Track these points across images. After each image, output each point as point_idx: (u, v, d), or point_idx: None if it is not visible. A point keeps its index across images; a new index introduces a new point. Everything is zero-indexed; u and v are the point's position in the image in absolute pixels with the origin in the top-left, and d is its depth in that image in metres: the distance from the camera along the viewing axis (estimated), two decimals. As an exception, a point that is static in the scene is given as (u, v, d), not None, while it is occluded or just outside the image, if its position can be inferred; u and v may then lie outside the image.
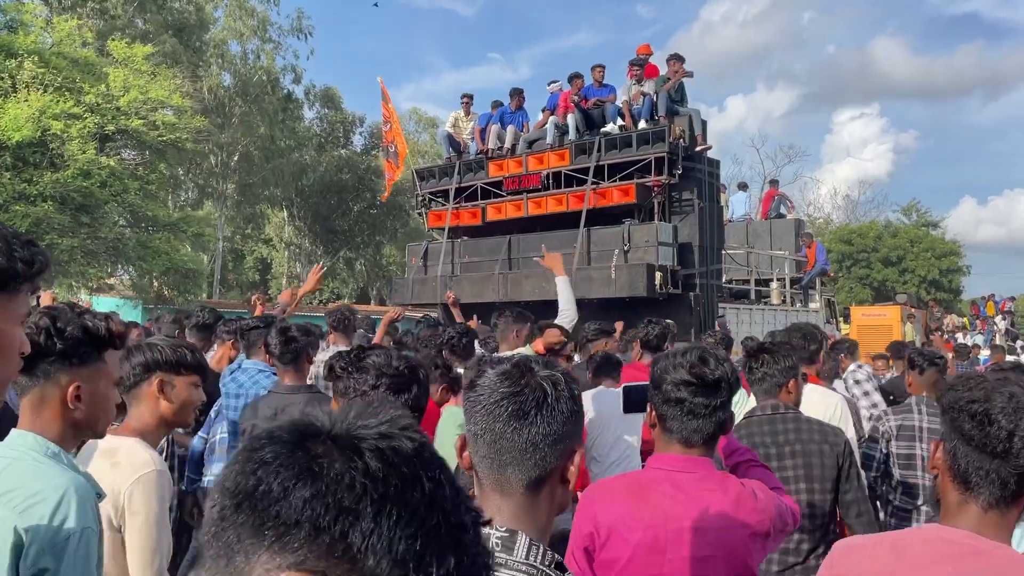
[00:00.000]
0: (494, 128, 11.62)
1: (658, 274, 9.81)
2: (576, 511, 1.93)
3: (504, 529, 1.14)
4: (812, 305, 13.50)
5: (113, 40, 22.75)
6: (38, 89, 17.42)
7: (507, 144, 11.50)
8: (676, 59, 10.64)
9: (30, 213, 16.41)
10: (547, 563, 1.12)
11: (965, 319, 21.72)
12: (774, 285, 13.00)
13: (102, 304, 23.02)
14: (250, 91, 34.95)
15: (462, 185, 11.68)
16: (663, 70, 11.08)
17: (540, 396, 1.18)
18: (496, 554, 1.12)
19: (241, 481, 0.52)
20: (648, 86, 10.71)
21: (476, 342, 5.23)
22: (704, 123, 10.87)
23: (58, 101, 17.18)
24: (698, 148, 10.51)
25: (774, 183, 15.72)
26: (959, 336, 19.28)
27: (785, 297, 13.00)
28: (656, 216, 10.34)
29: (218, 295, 35.80)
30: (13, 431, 1.74)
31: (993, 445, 1.37)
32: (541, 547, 1.13)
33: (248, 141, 35.25)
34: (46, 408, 1.72)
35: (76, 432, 1.79)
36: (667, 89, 10.23)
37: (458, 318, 7.96)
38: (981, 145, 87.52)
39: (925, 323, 18.00)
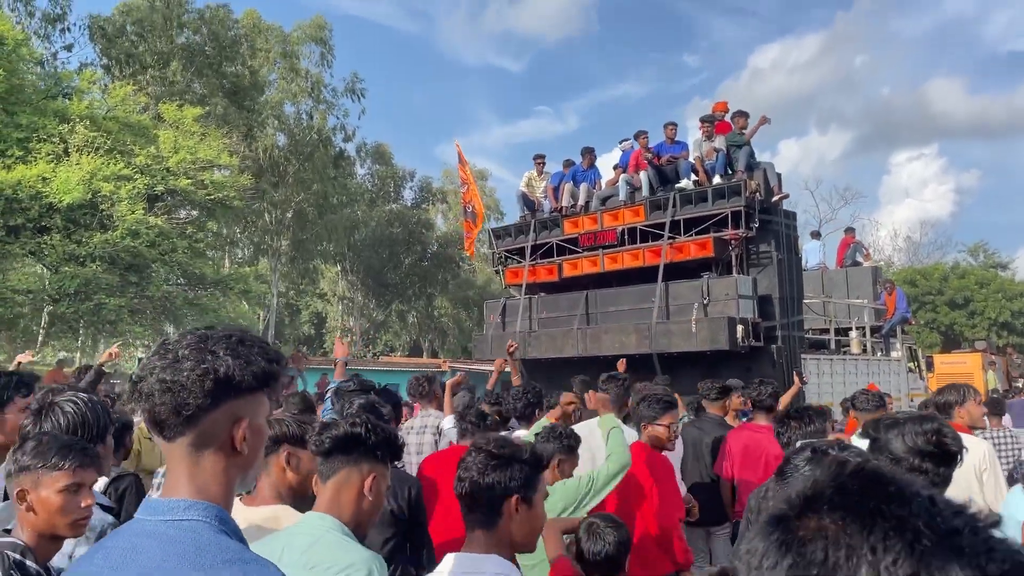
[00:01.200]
0: (567, 186, 12.02)
1: (739, 327, 9.96)
2: None
3: None
4: (894, 354, 13.47)
5: (164, 103, 23.94)
6: (89, 152, 17.99)
7: (580, 201, 11.88)
8: (741, 115, 10.98)
9: (79, 274, 16.90)
10: None
11: (1045, 365, 21.28)
12: (853, 334, 13.02)
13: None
14: (303, 150, 36.19)
15: (538, 243, 12.06)
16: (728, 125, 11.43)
17: None
18: None
19: None
20: (719, 141, 11.02)
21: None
22: (779, 175, 11.13)
23: (108, 163, 17.73)
24: (776, 198, 10.75)
25: (850, 231, 15.83)
26: (1034, 383, 18.90)
27: (865, 346, 13.01)
28: (734, 269, 10.55)
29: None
30: (312, 513, 2.05)
31: None
32: None
33: (301, 198, 36.44)
34: (346, 491, 2.04)
35: (363, 520, 2.09)
36: (747, 140, 10.56)
37: (515, 372, 8.27)
38: None
39: (1006, 370, 17.72)
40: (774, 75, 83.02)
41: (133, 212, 17.58)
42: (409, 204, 41.08)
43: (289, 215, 36.87)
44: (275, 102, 36.29)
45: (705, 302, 10.36)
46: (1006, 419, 9.10)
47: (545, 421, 4.80)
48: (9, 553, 1.81)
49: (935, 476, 1.97)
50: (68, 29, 29.68)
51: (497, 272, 13.11)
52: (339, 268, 39.46)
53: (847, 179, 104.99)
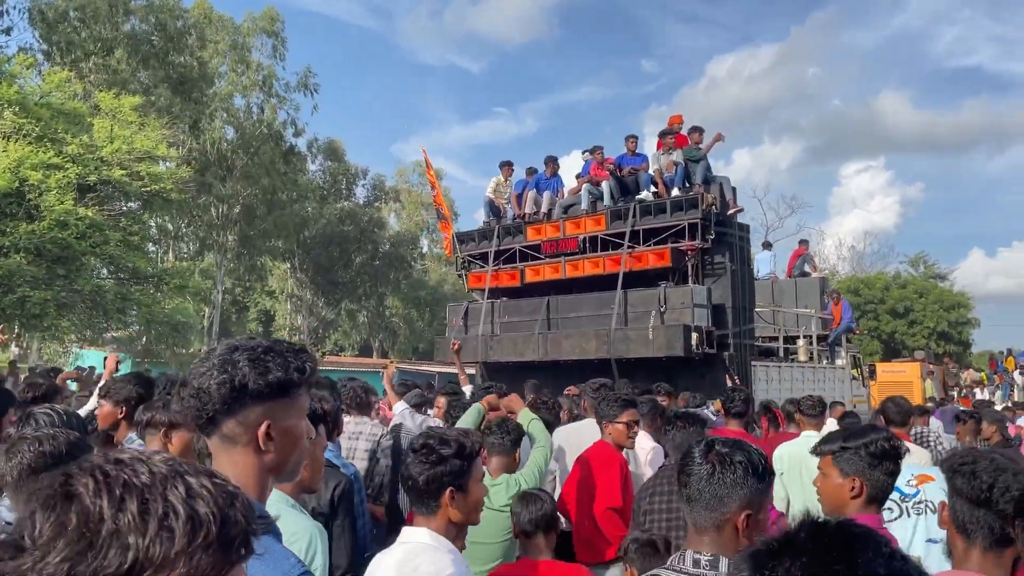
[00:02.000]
0: (530, 194, 12.46)
1: (694, 335, 10.51)
2: None
3: None
4: (839, 362, 14.24)
5: (101, 91, 23.44)
6: (17, 139, 17.33)
7: (543, 209, 12.33)
8: (696, 131, 11.58)
9: (2, 265, 16.25)
10: None
11: (983, 373, 22.47)
12: (801, 342, 13.74)
13: (90, 357, 23.12)
14: (252, 144, 35.92)
15: (501, 248, 12.47)
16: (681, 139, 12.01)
17: None
18: None
19: None
20: (676, 155, 11.58)
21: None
22: (734, 189, 11.73)
23: (37, 151, 17.17)
24: (731, 212, 11.35)
25: (803, 243, 16.61)
26: (977, 391, 20.01)
27: (812, 354, 13.73)
28: (690, 279, 11.11)
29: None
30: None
31: (977, 495, 1.91)
32: None
33: (249, 193, 36.15)
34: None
35: (305, 488, 2.41)
36: (703, 156, 11.14)
37: (460, 371, 8.75)
38: (988, 197, 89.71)
39: (943, 379, 18.75)
40: (730, 84, 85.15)
41: (62, 202, 17.04)
42: (361, 202, 41.08)
43: (236, 210, 36.55)
44: (224, 94, 35.96)
45: (662, 310, 10.89)
46: (934, 423, 9.87)
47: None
48: None
49: (892, 472, 2.45)
50: (7, 12, 28.98)
51: (460, 276, 13.47)
52: (288, 265, 39.28)
53: (798, 189, 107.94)
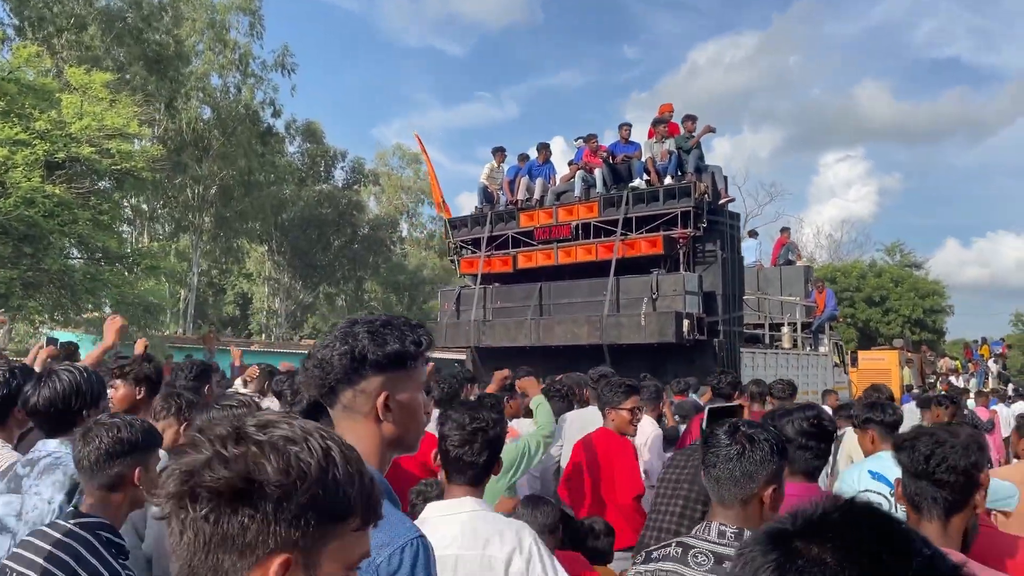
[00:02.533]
0: (523, 180, 12.62)
1: (685, 321, 10.78)
2: None
3: None
4: (822, 349, 14.61)
5: (71, 67, 23.06)
6: None
7: (536, 196, 12.50)
8: (689, 119, 11.81)
9: None
10: None
11: (958, 362, 23.08)
12: (785, 330, 14.07)
13: (61, 338, 22.80)
14: (228, 124, 35.63)
15: (494, 234, 12.63)
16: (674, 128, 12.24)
17: None
18: None
19: None
20: (669, 144, 11.80)
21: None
22: (726, 178, 11.98)
23: (4, 127, 16.85)
24: (722, 201, 11.61)
25: (785, 231, 16.94)
26: (952, 379, 20.55)
27: (796, 341, 14.08)
28: (682, 266, 11.36)
29: (192, 330, 36.05)
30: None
31: (916, 467, 2.03)
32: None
33: (225, 174, 35.89)
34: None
35: None
36: (693, 145, 11.37)
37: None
38: (964, 188, 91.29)
39: (921, 367, 19.26)
40: (712, 72, 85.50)
41: (29, 179, 16.69)
42: (340, 185, 40.92)
43: (213, 191, 36.28)
44: (200, 73, 35.60)
45: (654, 297, 11.14)
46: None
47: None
48: None
49: (818, 450, 2.69)
50: (-26, -15, 28.39)
51: (452, 262, 13.61)
52: (265, 248, 39.10)
53: (777, 178, 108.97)
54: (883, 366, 17.76)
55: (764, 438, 2.15)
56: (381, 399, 1.61)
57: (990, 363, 21.39)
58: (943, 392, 8.30)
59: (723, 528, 2.07)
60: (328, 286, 39.30)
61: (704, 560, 2.04)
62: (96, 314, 21.80)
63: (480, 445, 2.59)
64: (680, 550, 2.09)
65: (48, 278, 18.71)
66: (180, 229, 37.68)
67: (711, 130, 12.02)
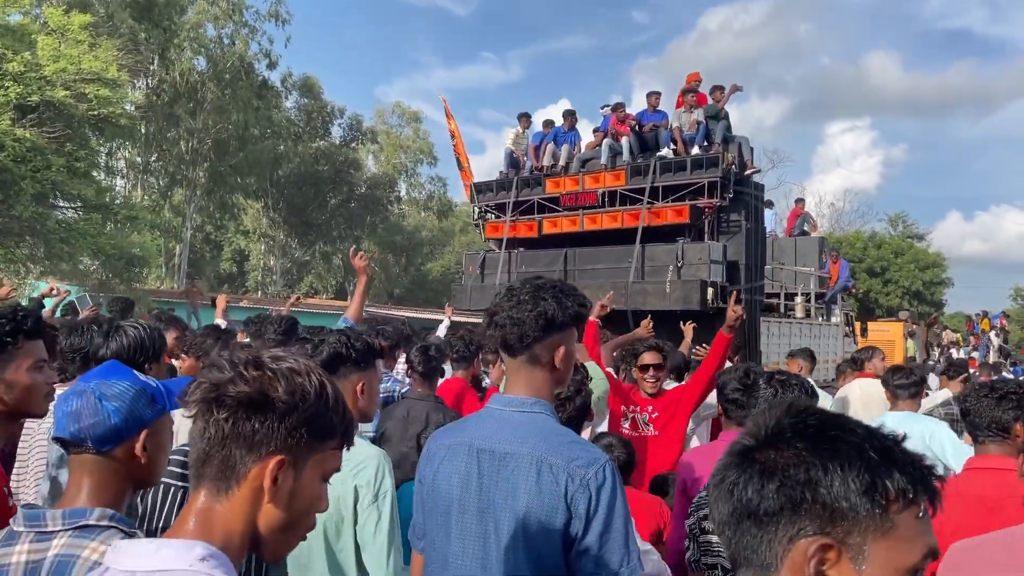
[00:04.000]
0: (549, 147, 12.97)
1: (710, 290, 11.24)
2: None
3: None
4: (834, 319, 15.16)
5: (49, 7, 22.65)
6: None
7: (561, 162, 12.86)
8: (718, 89, 12.17)
9: None
10: None
11: (959, 335, 23.77)
12: (799, 300, 14.59)
13: (41, 288, 22.31)
14: (223, 76, 35.46)
15: (519, 199, 13.01)
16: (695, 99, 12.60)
17: None
18: None
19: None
20: (698, 113, 12.17)
21: None
22: (752, 149, 12.37)
23: None
24: (748, 172, 12.01)
25: (800, 201, 17.38)
26: (953, 351, 21.22)
27: (809, 311, 14.61)
28: (706, 235, 11.79)
29: (184, 285, 36.12)
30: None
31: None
32: None
33: (220, 128, 35.83)
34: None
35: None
36: (722, 112, 11.76)
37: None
38: (969, 161, 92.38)
39: (925, 339, 19.89)
40: (721, 38, 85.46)
41: None
42: (337, 142, 40.91)
43: (207, 145, 36.25)
44: (194, 23, 35.35)
45: (679, 265, 11.57)
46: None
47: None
48: None
49: (743, 403, 3.17)
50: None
51: (477, 226, 13.98)
52: (261, 204, 39.19)
53: (783, 146, 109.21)
54: (887, 338, 18.35)
55: (794, 383, 2.76)
56: (561, 352, 1.99)
57: (992, 336, 22.07)
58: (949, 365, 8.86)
59: None
60: (324, 245, 39.48)
61: None
62: (70, 266, 21.50)
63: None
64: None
65: (19, 226, 18.51)
66: (174, 183, 37.69)
67: (738, 89, 12.40)
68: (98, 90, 19.55)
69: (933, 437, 4.46)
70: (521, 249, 13.08)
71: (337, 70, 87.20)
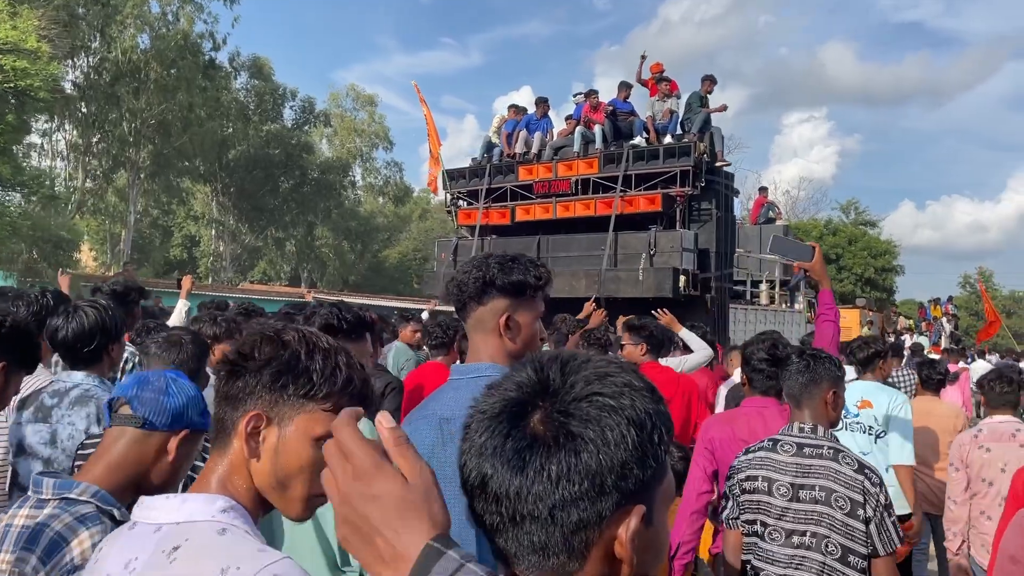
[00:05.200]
0: (521, 134, 13.19)
1: (682, 277, 11.61)
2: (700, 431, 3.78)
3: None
4: (797, 306, 15.73)
5: None
6: None
7: (534, 150, 13.10)
8: (709, 80, 12.51)
9: None
10: None
11: (911, 321, 24.69)
12: (763, 287, 15.10)
13: None
14: (167, 56, 34.80)
15: (492, 186, 13.22)
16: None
17: None
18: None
19: None
20: (671, 102, 12.51)
21: None
22: (723, 139, 12.76)
23: None
24: (719, 163, 12.40)
25: (763, 190, 17.91)
26: (906, 337, 22.08)
27: (773, 298, 15.14)
28: (678, 224, 12.16)
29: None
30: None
31: None
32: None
33: (164, 108, 35.19)
34: None
35: None
36: (705, 112, 12.11)
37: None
38: (922, 152, 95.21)
39: (882, 326, 20.66)
40: (682, 27, 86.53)
41: None
42: (289, 125, 40.48)
43: (151, 126, 35.56)
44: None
45: (652, 253, 11.92)
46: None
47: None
48: None
49: (770, 372, 3.55)
50: None
51: (449, 213, 14.14)
52: (210, 188, 38.62)
53: (742, 136, 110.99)
54: (844, 324, 18.99)
55: (823, 356, 3.01)
56: (503, 318, 2.03)
57: (943, 322, 23.00)
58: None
59: (801, 425, 2.90)
60: (277, 230, 39.10)
61: (789, 448, 2.87)
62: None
63: None
64: (771, 443, 2.93)
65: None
66: (117, 165, 36.94)
67: (724, 109, 12.81)
68: (15, 61, 18.90)
69: (895, 409, 4.86)
70: (494, 236, 13.30)
71: (294, 54, 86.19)
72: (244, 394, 1.28)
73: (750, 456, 2.93)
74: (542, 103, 13.45)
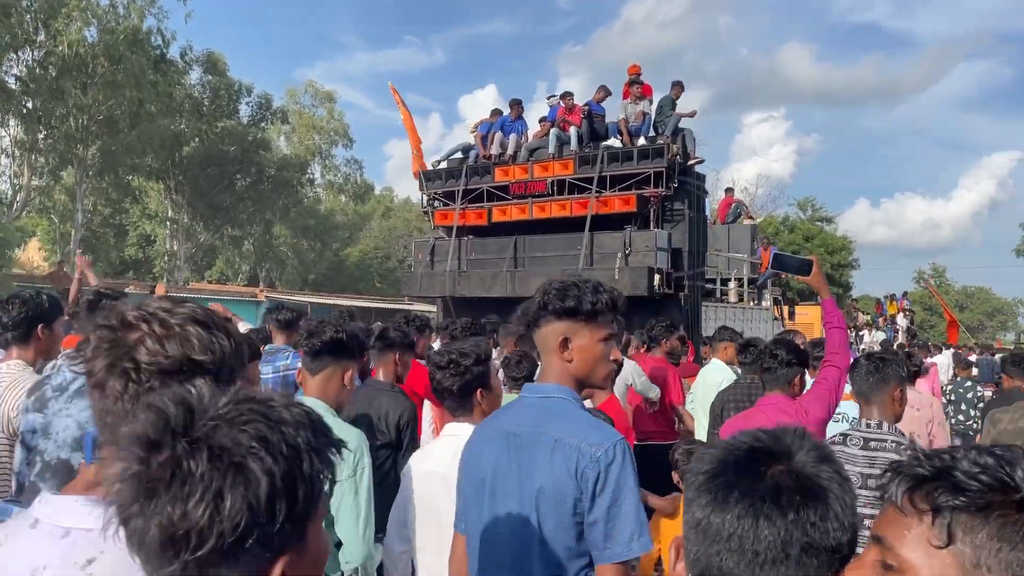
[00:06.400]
0: (496, 136, 13.55)
1: (656, 276, 12.08)
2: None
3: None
4: (764, 303, 16.35)
5: None
6: None
7: (509, 152, 13.47)
8: (678, 85, 13.00)
9: None
10: None
11: (868, 316, 25.58)
12: (732, 285, 15.68)
13: None
14: (115, 50, 34.40)
15: (469, 187, 13.56)
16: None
17: None
18: None
19: None
20: (644, 105, 12.97)
21: None
22: (695, 141, 13.26)
23: None
24: (691, 163, 12.90)
25: (729, 190, 18.52)
26: (864, 333, 22.92)
27: (742, 295, 15.72)
28: (652, 224, 12.63)
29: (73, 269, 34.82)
30: (306, 398, 2.95)
31: None
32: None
33: (113, 103, 34.78)
34: (332, 383, 3.03)
35: (342, 404, 3.18)
36: (676, 116, 12.59)
37: None
38: (877, 150, 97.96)
39: (843, 320, 21.44)
40: (644, 28, 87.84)
41: None
42: (245, 121, 40.20)
43: (99, 120, 35.09)
44: (86, -10, 34.09)
45: (627, 252, 12.37)
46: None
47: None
48: None
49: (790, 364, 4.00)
50: None
51: (426, 213, 14.44)
52: (162, 186, 38.20)
53: (702, 135, 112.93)
54: (807, 320, 19.78)
55: (890, 359, 3.48)
56: (560, 340, 2.16)
57: (899, 318, 23.93)
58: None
59: (868, 421, 3.36)
60: (233, 228, 38.81)
61: (857, 442, 3.32)
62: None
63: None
64: (841, 438, 3.40)
65: None
66: (65, 162, 36.39)
67: (694, 114, 13.33)
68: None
69: None
70: (471, 237, 13.64)
71: (256, 52, 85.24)
72: None
73: None
74: (516, 105, 13.82)
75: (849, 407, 5.52)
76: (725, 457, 1.04)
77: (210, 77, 39.21)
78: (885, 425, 3.31)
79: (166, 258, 37.27)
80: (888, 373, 3.35)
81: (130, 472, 0.84)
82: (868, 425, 3.34)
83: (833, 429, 4.83)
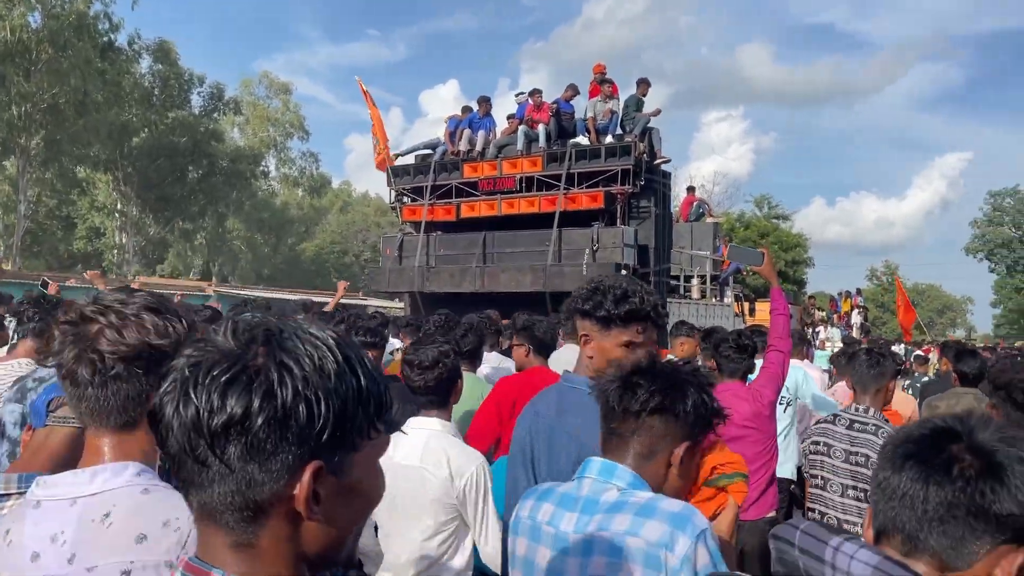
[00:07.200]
0: (465, 132, 13.76)
1: (624, 272, 12.43)
2: None
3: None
4: (726, 300, 16.82)
5: None
6: None
7: (477, 148, 13.69)
8: (644, 83, 13.33)
9: None
10: None
11: (823, 313, 26.33)
12: (695, 281, 16.11)
13: None
14: (60, 37, 33.81)
15: (437, 183, 13.75)
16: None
17: None
18: None
19: None
20: (613, 103, 13.29)
21: None
22: (661, 139, 13.62)
23: None
24: (657, 161, 13.26)
25: (691, 189, 18.98)
26: (821, 329, 23.62)
27: (704, 292, 16.16)
28: (619, 220, 12.96)
29: (18, 264, 34.23)
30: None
31: None
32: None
33: (57, 91, 34.18)
34: None
35: None
36: (642, 116, 12.93)
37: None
38: (833, 151, 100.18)
39: (800, 317, 22.10)
40: (605, 25, 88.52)
41: None
42: (197, 112, 39.72)
43: (43, 108, 34.45)
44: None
45: (595, 248, 12.69)
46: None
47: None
48: None
49: (739, 359, 4.32)
50: None
51: (394, 209, 14.59)
52: (110, 177, 37.58)
53: (662, 132, 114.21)
54: (764, 316, 20.39)
55: (888, 354, 3.96)
56: (583, 337, 2.37)
57: (854, 315, 24.70)
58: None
59: (857, 406, 3.84)
60: (184, 221, 38.35)
61: (844, 422, 3.81)
62: None
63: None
64: (832, 417, 3.92)
65: None
66: (7, 151, 35.64)
67: (658, 112, 13.64)
68: None
69: (801, 380, 5.87)
70: (439, 232, 13.84)
71: (213, 43, 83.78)
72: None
73: (817, 427, 3.91)
74: (484, 102, 14.04)
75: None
76: (913, 433, 1.23)
77: (160, 66, 38.65)
78: (872, 411, 3.78)
79: (115, 252, 36.68)
80: (886, 368, 3.86)
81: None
82: (856, 409, 3.83)
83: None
